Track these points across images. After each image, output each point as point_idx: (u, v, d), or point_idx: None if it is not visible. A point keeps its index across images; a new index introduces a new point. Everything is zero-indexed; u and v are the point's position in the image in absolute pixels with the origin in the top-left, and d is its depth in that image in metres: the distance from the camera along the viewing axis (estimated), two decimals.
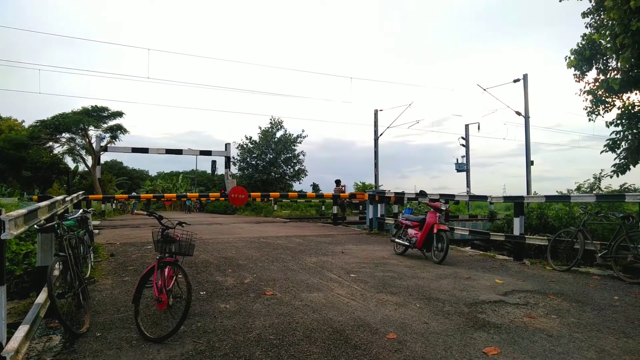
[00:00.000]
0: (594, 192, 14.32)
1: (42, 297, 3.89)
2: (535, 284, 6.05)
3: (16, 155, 38.20)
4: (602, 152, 13.87)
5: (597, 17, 13.65)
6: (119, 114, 36.95)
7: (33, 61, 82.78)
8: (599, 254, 6.78)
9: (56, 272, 4.37)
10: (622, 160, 13.58)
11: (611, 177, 13.97)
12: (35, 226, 4.06)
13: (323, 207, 29.12)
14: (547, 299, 5.20)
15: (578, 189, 15.52)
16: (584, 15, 13.88)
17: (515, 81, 24.18)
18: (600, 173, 14.91)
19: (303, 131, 41.98)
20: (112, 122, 37.13)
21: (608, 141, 13.66)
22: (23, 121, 48.00)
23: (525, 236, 8.43)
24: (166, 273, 3.95)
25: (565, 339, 3.76)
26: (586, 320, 4.33)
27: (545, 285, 5.94)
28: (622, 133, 13.41)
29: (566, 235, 7.57)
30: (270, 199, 28.05)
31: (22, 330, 3.19)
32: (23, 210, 3.47)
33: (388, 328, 4.00)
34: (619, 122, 13.22)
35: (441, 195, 9.95)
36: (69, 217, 5.33)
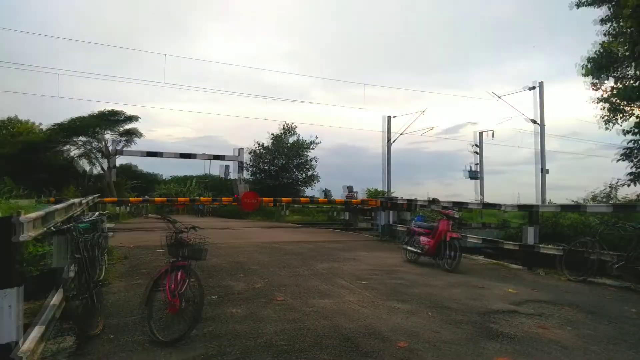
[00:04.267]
0: (610, 201, 14.07)
1: (57, 298, 3.96)
2: (549, 294, 5.95)
3: (33, 158, 38.86)
4: (617, 160, 13.64)
5: (615, 25, 13.48)
6: (135, 118, 37.44)
7: (52, 65, 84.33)
8: (615, 265, 6.65)
9: (71, 274, 4.45)
10: (639, 169, 13.34)
11: (629, 185, 13.72)
12: (51, 228, 4.14)
13: (334, 213, 29.07)
14: (561, 309, 5.12)
15: (593, 198, 15.27)
16: (602, 22, 13.72)
17: (530, 89, 24.03)
18: (616, 182, 14.65)
19: (317, 137, 41.94)
20: (127, 126, 37.61)
21: (625, 150, 13.43)
22: (40, 124, 48.95)
23: (539, 245, 8.31)
24: (178, 277, 3.98)
25: (579, 351, 3.69)
26: (602, 333, 4.25)
27: (559, 296, 5.84)
28: (638, 142, 13.18)
29: (581, 245, 7.44)
30: (281, 204, 28.12)
31: (37, 331, 3.24)
32: (41, 213, 3.54)
33: (399, 336, 3.98)
34: (636, 130, 13.00)
35: (454, 203, 9.89)
36: (84, 220, 5.40)
